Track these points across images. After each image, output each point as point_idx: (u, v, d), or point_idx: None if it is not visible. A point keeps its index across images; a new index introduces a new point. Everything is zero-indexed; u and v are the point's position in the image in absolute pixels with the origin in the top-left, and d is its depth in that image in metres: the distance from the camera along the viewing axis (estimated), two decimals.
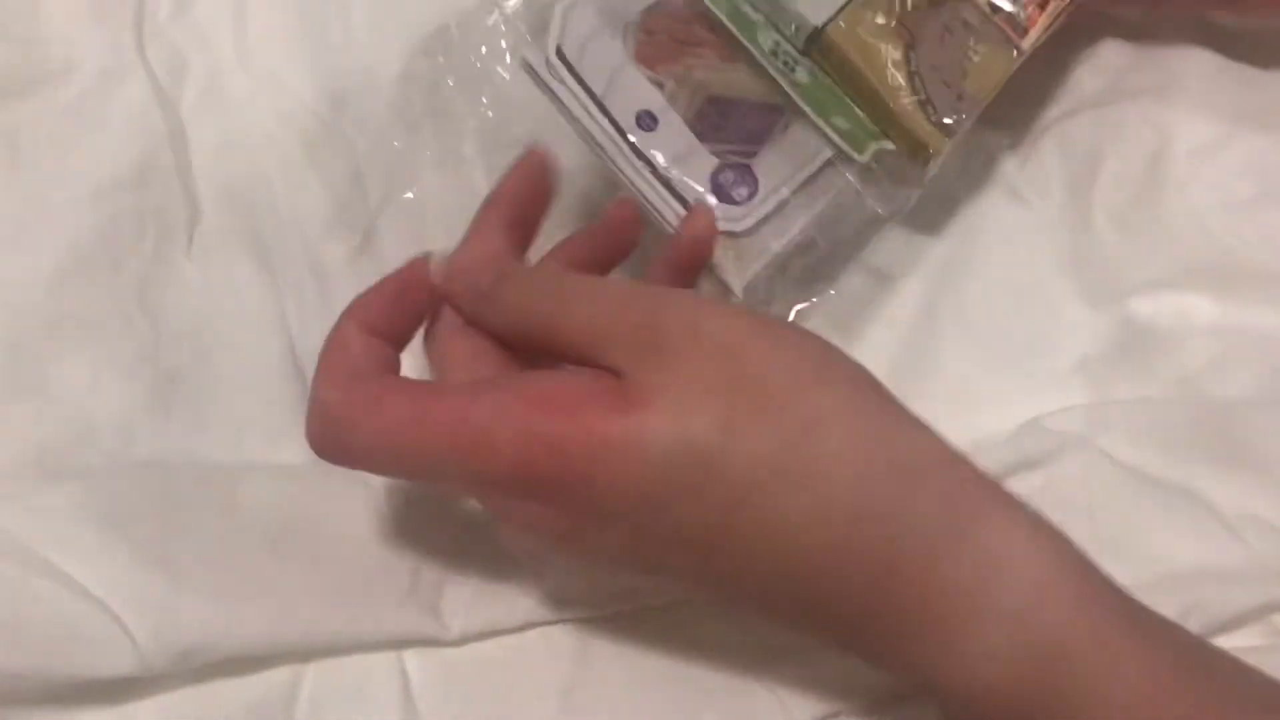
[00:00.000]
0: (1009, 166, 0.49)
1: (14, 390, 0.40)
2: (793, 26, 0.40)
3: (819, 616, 0.31)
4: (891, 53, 0.40)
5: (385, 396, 0.31)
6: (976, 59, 0.42)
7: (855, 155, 0.40)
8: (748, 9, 0.41)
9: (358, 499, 0.39)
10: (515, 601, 0.37)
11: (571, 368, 0.31)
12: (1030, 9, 0.43)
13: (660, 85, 0.40)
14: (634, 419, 0.29)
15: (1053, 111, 0.50)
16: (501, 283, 0.33)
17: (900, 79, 0.41)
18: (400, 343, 0.34)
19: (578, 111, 0.39)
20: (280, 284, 0.43)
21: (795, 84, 0.40)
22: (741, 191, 0.40)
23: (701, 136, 0.40)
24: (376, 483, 0.39)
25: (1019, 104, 0.50)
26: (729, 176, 0.40)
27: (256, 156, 0.46)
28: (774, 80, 0.40)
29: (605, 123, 0.39)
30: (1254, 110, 0.50)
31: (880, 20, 0.41)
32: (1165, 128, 0.50)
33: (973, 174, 0.49)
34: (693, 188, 0.39)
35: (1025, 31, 0.42)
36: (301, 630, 0.35)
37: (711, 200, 0.39)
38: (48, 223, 0.42)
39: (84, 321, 0.41)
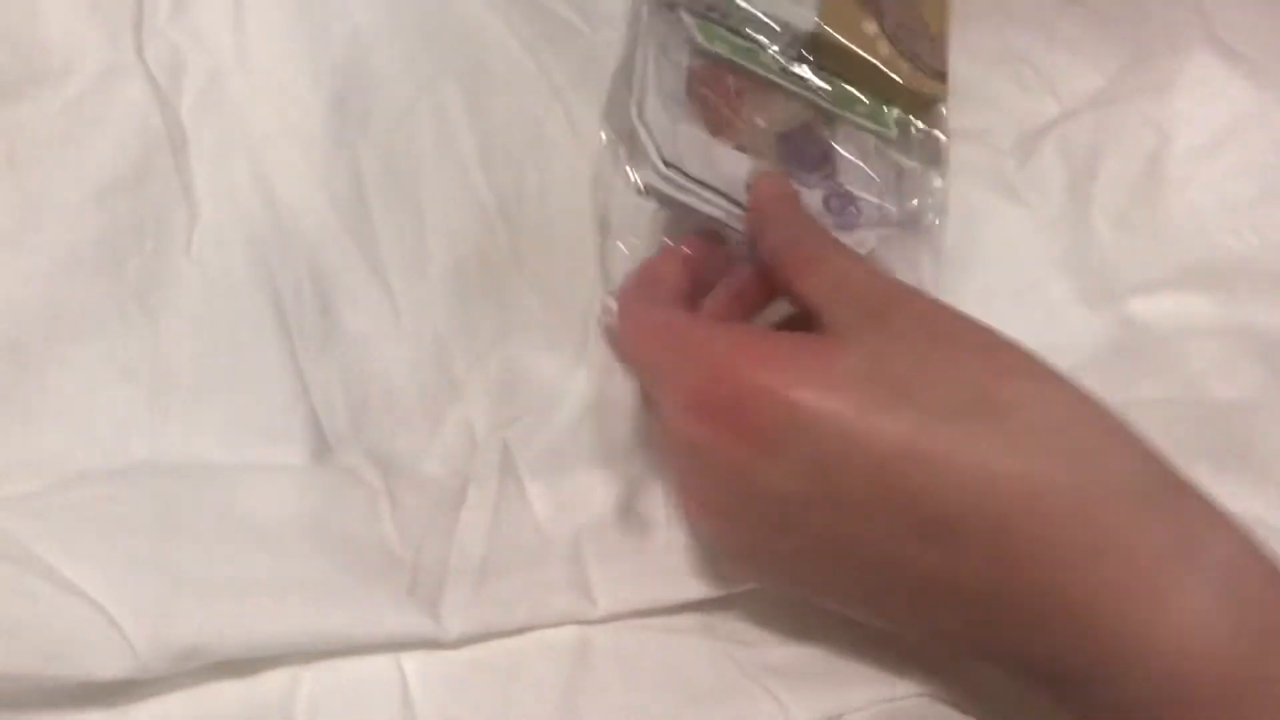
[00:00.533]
0: (1008, 166, 0.50)
1: (12, 390, 0.40)
2: (786, 38, 0.42)
3: (998, 568, 0.29)
4: (869, 28, 0.43)
5: (651, 309, 0.36)
6: None
7: (886, 131, 0.44)
8: (741, 40, 0.43)
9: (357, 500, 0.39)
10: (515, 604, 0.37)
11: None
12: None
13: (742, 148, 0.42)
14: (829, 339, 0.32)
15: (1052, 111, 0.50)
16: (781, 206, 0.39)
17: (886, 48, 0.43)
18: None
19: (708, 209, 0.41)
20: (280, 285, 0.43)
21: (817, 91, 0.43)
22: (851, 211, 0.42)
23: (794, 177, 0.42)
24: (376, 484, 0.39)
25: (1019, 104, 0.50)
26: (835, 203, 0.42)
27: (256, 157, 0.46)
28: (802, 95, 0.43)
29: (731, 205, 0.41)
30: (1253, 110, 0.50)
31: (851, 4, 0.43)
32: (1164, 128, 0.50)
33: (972, 174, 0.49)
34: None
35: None
36: (300, 631, 0.35)
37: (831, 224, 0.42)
38: (46, 223, 0.42)
39: (83, 321, 0.41)
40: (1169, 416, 0.41)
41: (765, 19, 0.43)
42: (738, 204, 0.41)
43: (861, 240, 0.42)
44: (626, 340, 0.39)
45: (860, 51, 0.43)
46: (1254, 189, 0.49)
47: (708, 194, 0.41)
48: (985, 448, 0.28)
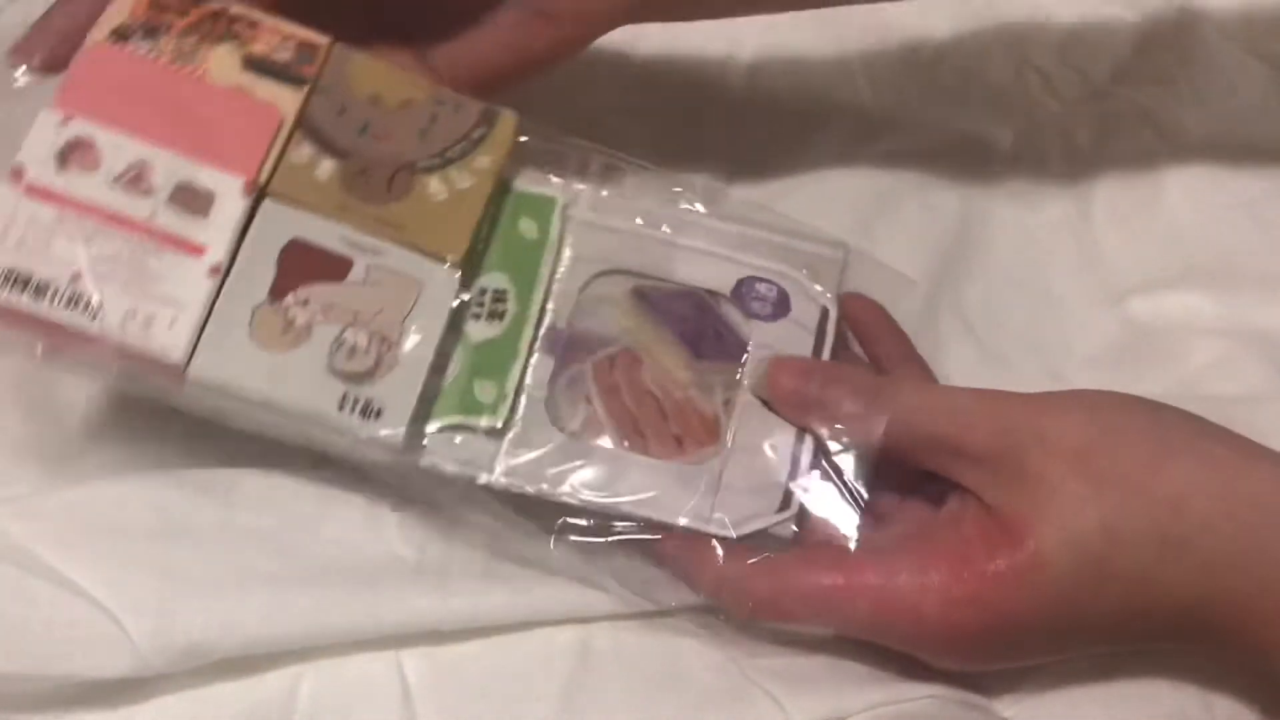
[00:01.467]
0: (1009, 167, 0.49)
1: (13, 394, 0.40)
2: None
3: (1214, 641, 0.34)
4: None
5: (807, 561, 0.36)
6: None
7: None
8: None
9: (358, 505, 0.39)
10: (522, 593, 0.37)
11: (949, 514, 0.36)
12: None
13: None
14: (1028, 552, 0.33)
15: (1053, 111, 0.50)
16: (828, 387, 0.37)
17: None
18: None
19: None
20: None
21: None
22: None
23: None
24: (375, 484, 0.39)
25: (1020, 104, 0.50)
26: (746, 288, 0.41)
27: None
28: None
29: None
30: (1257, 111, 0.50)
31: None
32: (1166, 127, 0.50)
33: (973, 175, 0.49)
34: None
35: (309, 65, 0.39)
36: (301, 624, 0.35)
37: None
38: None
39: None
40: None
41: None
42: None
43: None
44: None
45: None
46: (1256, 188, 0.49)
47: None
48: (1183, 588, 0.33)
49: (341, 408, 0.35)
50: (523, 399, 0.38)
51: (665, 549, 0.37)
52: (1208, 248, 0.47)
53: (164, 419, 0.40)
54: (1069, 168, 0.49)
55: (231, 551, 0.36)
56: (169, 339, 0.34)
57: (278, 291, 0.36)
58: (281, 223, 0.36)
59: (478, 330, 0.38)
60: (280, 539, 0.37)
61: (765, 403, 0.38)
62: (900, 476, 0.38)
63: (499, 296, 0.39)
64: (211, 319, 0.35)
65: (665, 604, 0.37)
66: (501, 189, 0.40)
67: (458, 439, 0.37)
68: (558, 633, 0.37)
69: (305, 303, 0.36)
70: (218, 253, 0.35)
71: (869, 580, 0.35)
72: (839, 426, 0.37)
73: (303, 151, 0.37)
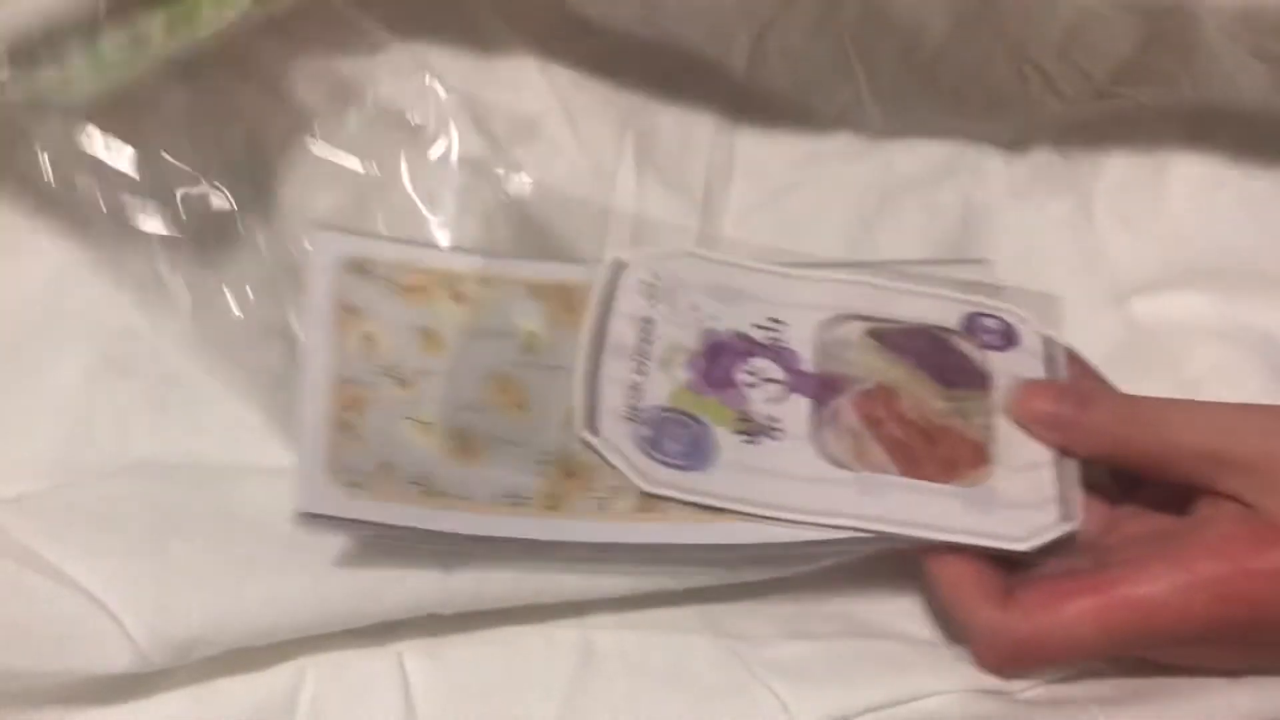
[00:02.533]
0: (1010, 166, 0.49)
1: (12, 390, 0.40)
2: None
3: None
4: None
5: (1059, 595, 0.35)
6: None
7: None
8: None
9: None
10: (526, 578, 0.37)
11: (1207, 514, 0.35)
12: None
13: None
14: None
15: (1054, 110, 0.50)
16: (1083, 409, 0.38)
17: None
18: None
19: None
20: (280, 285, 0.43)
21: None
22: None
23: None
24: None
25: (1020, 103, 0.50)
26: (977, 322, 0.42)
27: None
28: None
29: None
30: (1258, 111, 0.50)
31: None
32: (1168, 127, 0.50)
33: (974, 174, 0.49)
34: None
35: None
36: (301, 612, 0.35)
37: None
38: (44, 226, 0.42)
39: (83, 323, 0.41)
40: None
41: None
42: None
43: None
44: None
45: None
46: (1258, 188, 0.49)
47: None
48: None
49: None
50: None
51: (941, 571, 0.37)
52: (1210, 248, 0.47)
53: (162, 420, 0.41)
54: (1070, 168, 0.49)
55: (230, 547, 0.36)
56: None
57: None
58: None
59: None
60: (279, 534, 0.37)
61: (1019, 426, 0.39)
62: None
63: None
64: None
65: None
66: None
67: None
68: (560, 631, 0.37)
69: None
70: None
71: (1131, 592, 0.34)
72: (1093, 443, 0.38)
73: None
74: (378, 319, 0.39)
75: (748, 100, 0.51)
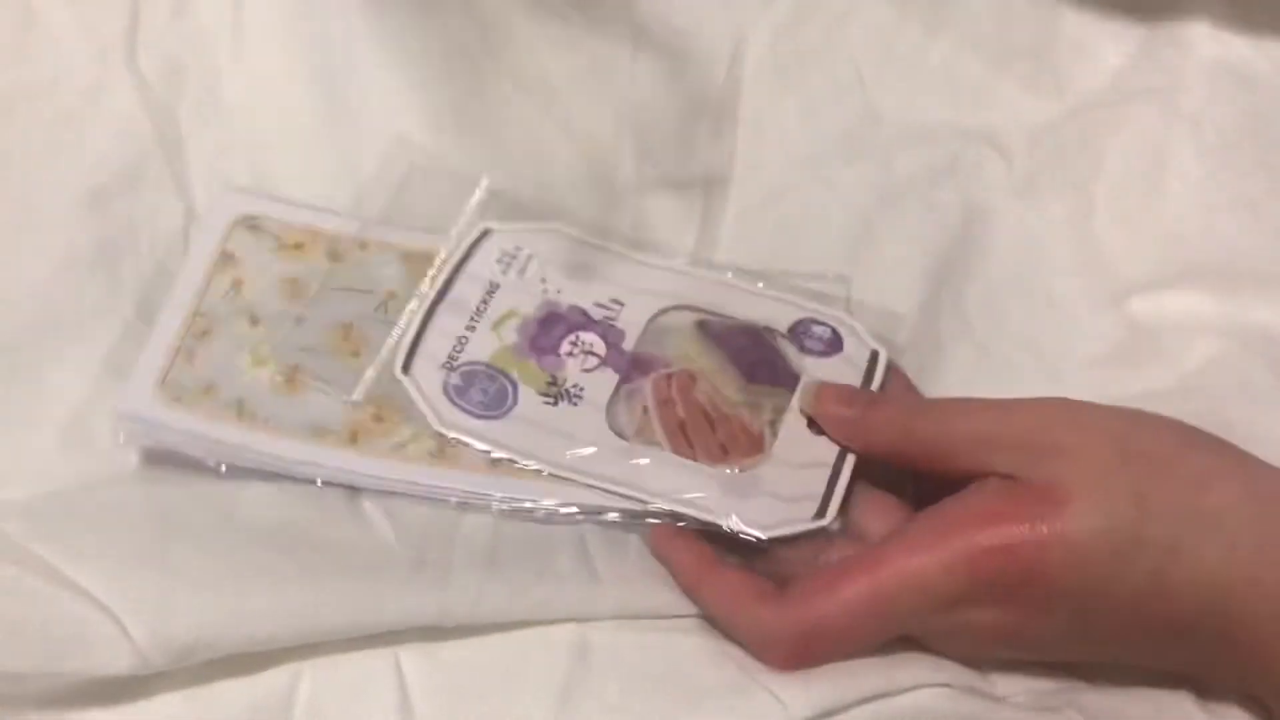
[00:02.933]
0: (1010, 165, 0.49)
1: (10, 393, 0.40)
2: None
3: (1227, 648, 0.34)
4: None
5: (835, 579, 0.35)
6: None
7: None
8: None
9: (357, 507, 0.39)
10: (525, 589, 0.37)
11: (973, 486, 0.35)
12: None
13: None
14: (1064, 511, 0.33)
15: (1055, 110, 0.50)
16: (870, 409, 0.40)
17: None
18: None
19: None
20: None
21: None
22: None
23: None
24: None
25: (1021, 102, 0.50)
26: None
27: (255, 158, 0.46)
28: None
29: None
30: (1259, 110, 0.50)
31: None
32: (1169, 128, 0.50)
33: (974, 173, 0.49)
34: None
35: None
36: (301, 620, 0.35)
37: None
38: (42, 229, 0.43)
39: (80, 325, 0.42)
40: (1171, 414, 0.41)
41: None
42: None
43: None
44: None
45: None
46: (1259, 187, 0.48)
47: None
48: (1212, 567, 0.33)
49: None
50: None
51: (661, 543, 0.38)
52: (1209, 247, 0.47)
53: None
54: (1070, 167, 0.49)
55: (231, 551, 0.36)
56: None
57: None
58: None
59: None
60: (279, 539, 0.37)
61: (812, 424, 0.41)
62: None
63: None
64: None
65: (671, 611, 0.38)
66: None
67: None
68: (556, 631, 0.37)
69: None
70: None
71: (899, 564, 0.35)
72: (877, 438, 0.39)
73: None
74: (250, 267, 0.44)
75: (749, 100, 0.51)
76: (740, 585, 0.37)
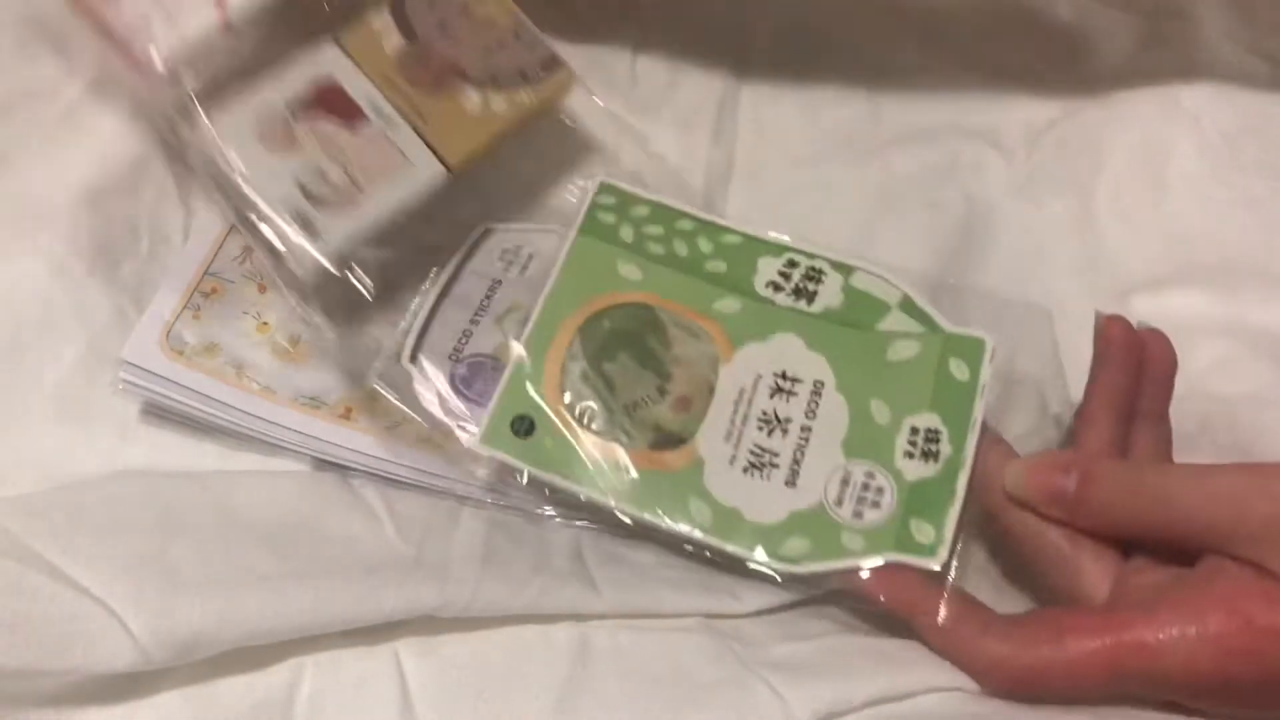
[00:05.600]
0: (1010, 165, 0.49)
1: (11, 392, 0.40)
2: None
3: None
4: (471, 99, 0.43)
5: (1065, 629, 0.35)
6: None
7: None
8: None
9: (357, 507, 0.39)
10: (523, 585, 0.37)
11: (1216, 565, 0.34)
12: None
13: None
14: None
15: (1056, 110, 0.50)
16: (1087, 485, 0.36)
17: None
18: None
19: None
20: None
21: None
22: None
23: None
24: (376, 500, 0.40)
25: (1022, 102, 0.50)
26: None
27: None
28: None
29: None
30: (1259, 109, 0.50)
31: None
32: (1170, 126, 0.50)
33: (976, 172, 0.49)
34: None
35: None
36: (301, 614, 0.35)
37: None
38: (42, 228, 0.43)
39: (80, 324, 0.41)
40: (1173, 413, 0.41)
41: None
42: None
43: None
44: None
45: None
46: (1260, 187, 0.48)
47: None
48: None
49: (286, 210, 0.39)
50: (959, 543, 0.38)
51: (881, 592, 0.37)
52: (1210, 246, 0.47)
53: (160, 423, 0.41)
54: (1071, 166, 0.49)
55: (231, 548, 0.36)
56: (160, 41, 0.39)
57: (296, 107, 0.41)
58: (330, 63, 0.42)
59: (912, 468, 0.39)
60: (279, 537, 0.37)
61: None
62: None
63: (932, 436, 0.39)
64: (235, 96, 0.40)
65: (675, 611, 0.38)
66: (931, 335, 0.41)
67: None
68: (556, 629, 0.37)
69: (311, 127, 0.40)
70: (235, 11, 0.40)
71: (1138, 637, 0.34)
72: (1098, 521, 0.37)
73: (384, 20, 0.42)
74: None
75: (751, 100, 0.51)
76: (963, 614, 0.36)
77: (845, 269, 0.42)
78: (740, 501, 0.38)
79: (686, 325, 0.41)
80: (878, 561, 0.37)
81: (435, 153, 0.41)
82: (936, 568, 0.36)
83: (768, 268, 0.42)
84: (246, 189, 0.39)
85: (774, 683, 0.35)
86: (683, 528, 0.37)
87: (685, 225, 0.43)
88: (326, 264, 0.39)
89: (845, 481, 0.38)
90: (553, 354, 0.40)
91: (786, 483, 0.38)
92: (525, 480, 0.38)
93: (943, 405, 0.39)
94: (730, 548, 0.37)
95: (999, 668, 0.35)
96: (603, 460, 0.38)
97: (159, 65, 0.38)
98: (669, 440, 0.39)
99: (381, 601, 0.35)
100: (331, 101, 0.41)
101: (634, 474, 0.38)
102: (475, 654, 0.36)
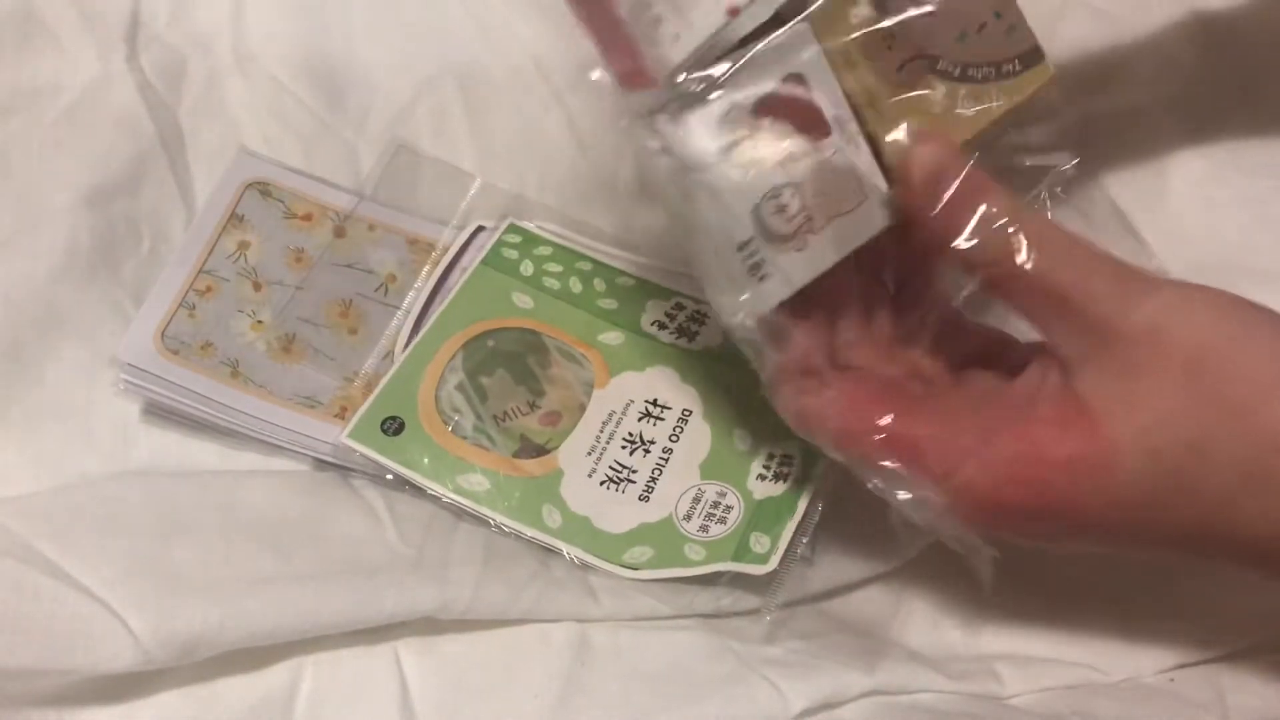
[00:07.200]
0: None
1: (12, 392, 0.40)
2: None
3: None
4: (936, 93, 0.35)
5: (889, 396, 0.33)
6: None
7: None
8: None
9: (357, 508, 0.39)
10: (522, 588, 0.37)
11: (1027, 384, 0.32)
12: None
13: None
14: (1104, 440, 0.30)
15: (1055, 109, 0.50)
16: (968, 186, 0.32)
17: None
18: None
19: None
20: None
21: None
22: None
23: None
24: (376, 501, 0.40)
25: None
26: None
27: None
28: None
29: None
30: (1262, 108, 0.50)
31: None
32: (1172, 125, 0.50)
33: None
34: None
35: None
36: (302, 615, 0.35)
37: None
38: (43, 228, 0.43)
39: (81, 324, 0.42)
40: None
41: None
42: None
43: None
44: (849, 442, 0.33)
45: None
46: (1261, 185, 0.48)
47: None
48: (1268, 531, 0.30)
49: (742, 248, 0.32)
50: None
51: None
52: (1212, 246, 0.47)
53: (161, 424, 0.41)
54: (1072, 165, 0.49)
55: (232, 549, 0.36)
56: (669, 50, 0.32)
57: (760, 108, 0.33)
58: (798, 50, 0.33)
59: (762, 489, 0.40)
60: (280, 537, 0.37)
61: None
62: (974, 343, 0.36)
63: (786, 461, 0.41)
64: (703, 96, 0.32)
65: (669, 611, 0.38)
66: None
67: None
68: (555, 628, 0.37)
69: (775, 134, 0.33)
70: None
71: (930, 430, 0.32)
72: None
73: None
74: (258, 232, 0.44)
75: None
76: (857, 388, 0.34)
77: None
78: (592, 511, 0.40)
79: (568, 351, 0.43)
80: (714, 569, 0.38)
81: (890, 179, 0.34)
82: (765, 572, 0.38)
83: (655, 308, 0.45)
84: (708, 212, 0.32)
85: (771, 677, 0.36)
86: (531, 530, 0.39)
87: (584, 266, 0.46)
88: (755, 319, 0.33)
89: (697, 499, 0.40)
90: (433, 365, 0.42)
91: (640, 497, 0.40)
92: (390, 477, 0.40)
93: None
94: (573, 550, 0.39)
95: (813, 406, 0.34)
96: (465, 463, 0.40)
97: (669, 61, 0.32)
98: (532, 450, 0.41)
99: (382, 603, 0.35)
100: (795, 106, 0.33)
101: (494, 477, 0.40)
102: (475, 653, 0.36)
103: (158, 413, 0.41)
